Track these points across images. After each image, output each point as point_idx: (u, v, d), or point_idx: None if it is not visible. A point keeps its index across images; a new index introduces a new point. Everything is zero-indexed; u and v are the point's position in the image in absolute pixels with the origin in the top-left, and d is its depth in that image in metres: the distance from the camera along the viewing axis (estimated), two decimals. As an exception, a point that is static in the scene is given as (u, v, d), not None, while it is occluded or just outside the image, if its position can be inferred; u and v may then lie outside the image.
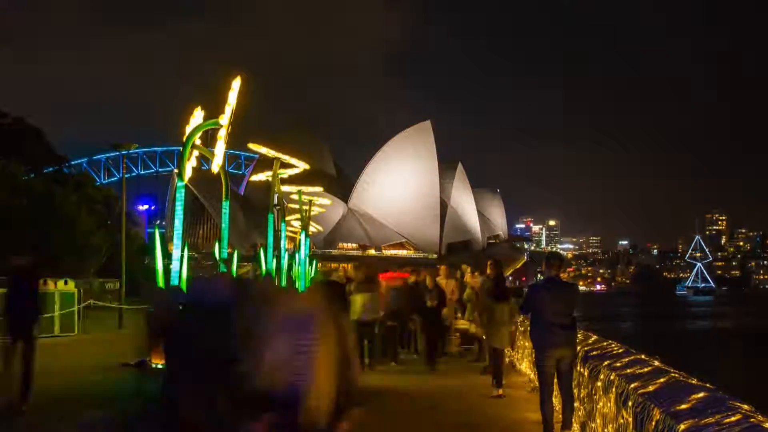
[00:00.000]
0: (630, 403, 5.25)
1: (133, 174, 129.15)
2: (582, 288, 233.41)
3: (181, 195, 13.07)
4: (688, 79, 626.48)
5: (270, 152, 19.49)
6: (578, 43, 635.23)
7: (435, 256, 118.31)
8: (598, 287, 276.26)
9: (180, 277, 12.69)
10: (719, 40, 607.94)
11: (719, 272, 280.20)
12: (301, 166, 22.50)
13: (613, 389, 5.92)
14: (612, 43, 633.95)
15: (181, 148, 13.14)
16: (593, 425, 6.64)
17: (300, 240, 26.28)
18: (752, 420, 3.80)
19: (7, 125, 47.43)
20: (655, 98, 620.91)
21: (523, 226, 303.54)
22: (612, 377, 6.10)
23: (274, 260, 21.49)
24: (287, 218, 27.54)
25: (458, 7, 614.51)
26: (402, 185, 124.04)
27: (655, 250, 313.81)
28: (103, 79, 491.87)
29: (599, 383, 6.50)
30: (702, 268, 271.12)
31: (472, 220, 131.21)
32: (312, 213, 33.71)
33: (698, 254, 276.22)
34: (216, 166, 13.94)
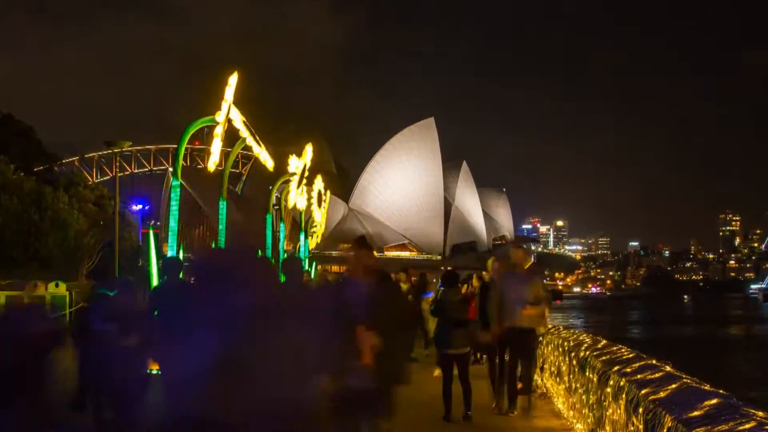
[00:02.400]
0: (640, 410, 5.19)
1: (127, 173, 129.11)
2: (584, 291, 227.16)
3: (176, 194, 12.86)
4: (689, 79, 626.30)
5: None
6: (580, 42, 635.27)
7: (439, 257, 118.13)
8: (596, 291, 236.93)
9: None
10: (726, 40, 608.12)
11: (732, 274, 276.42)
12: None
13: (623, 395, 5.86)
14: (612, 43, 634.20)
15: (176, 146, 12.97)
16: (602, 432, 6.47)
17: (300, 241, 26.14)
18: (767, 428, 3.72)
19: None
20: (659, 98, 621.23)
21: (530, 226, 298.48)
22: (622, 383, 6.03)
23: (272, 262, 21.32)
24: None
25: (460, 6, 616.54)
26: (405, 184, 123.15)
27: (666, 252, 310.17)
28: (100, 78, 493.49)
29: (609, 389, 6.45)
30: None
31: (478, 220, 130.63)
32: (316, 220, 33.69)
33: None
34: (212, 164, 13.74)
